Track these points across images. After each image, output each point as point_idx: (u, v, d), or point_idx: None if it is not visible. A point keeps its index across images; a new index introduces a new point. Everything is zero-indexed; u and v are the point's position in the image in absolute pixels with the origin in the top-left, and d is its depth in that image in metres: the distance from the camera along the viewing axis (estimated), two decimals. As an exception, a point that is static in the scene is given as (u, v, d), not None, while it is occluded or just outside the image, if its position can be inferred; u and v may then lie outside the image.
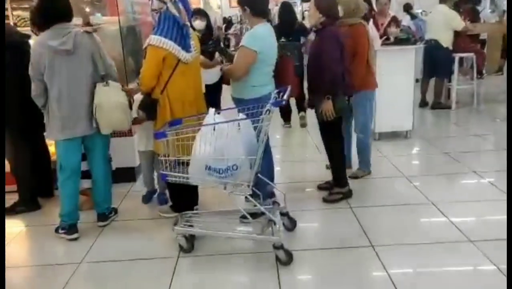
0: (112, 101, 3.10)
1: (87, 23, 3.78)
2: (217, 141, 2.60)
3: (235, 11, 14.24)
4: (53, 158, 3.97)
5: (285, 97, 2.71)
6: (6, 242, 3.10)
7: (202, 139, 2.62)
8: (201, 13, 4.66)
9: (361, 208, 3.45)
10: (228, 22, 10.19)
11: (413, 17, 8.48)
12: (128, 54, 4.23)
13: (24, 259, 3.13)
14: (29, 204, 3.74)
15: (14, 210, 3.67)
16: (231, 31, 9.99)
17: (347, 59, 3.43)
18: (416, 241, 2.91)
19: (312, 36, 6.19)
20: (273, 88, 3.21)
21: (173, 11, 3.03)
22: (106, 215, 3.42)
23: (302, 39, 5.82)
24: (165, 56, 2.98)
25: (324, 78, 3.24)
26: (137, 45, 4.55)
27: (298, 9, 11.39)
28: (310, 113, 3.86)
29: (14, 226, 3.51)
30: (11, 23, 4.14)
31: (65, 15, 3.09)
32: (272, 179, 3.41)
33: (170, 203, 3.55)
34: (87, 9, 4.25)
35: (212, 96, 4.56)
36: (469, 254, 2.75)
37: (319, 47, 3.32)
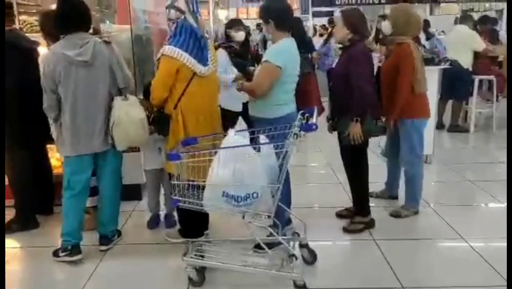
0: (131, 117, 2.90)
1: (97, 31, 3.58)
2: (237, 165, 2.36)
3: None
4: (55, 171, 3.75)
5: (314, 120, 2.46)
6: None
7: (220, 163, 2.38)
8: (241, 23, 4.35)
9: (386, 240, 3.17)
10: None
11: (429, 35, 8.26)
12: (138, 63, 4.01)
13: (18, 287, 2.86)
14: (26, 221, 3.46)
15: (10, 228, 3.39)
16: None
17: (387, 82, 3.18)
18: (452, 283, 2.64)
19: (315, 54, 6.13)
20: (295, 107, 2.98)
21: (191, 21, 2.86)
22: (109, 238, 3.16)
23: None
24: (178, 68, 2.79)
25: (353, 99, 2.99)
26: (146, 54, 4.34)
27: (310, 23, 11.26)
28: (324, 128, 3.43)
29: (9, 246, 3.22)
30: (17, 28, 3.93)
31: (85, 23, 2.91)
32: (289, 205, 3.15)
33: (178, 227, 3.30)
34: (97, 15, 4.05)
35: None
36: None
37: (346, 66, 3.07)
